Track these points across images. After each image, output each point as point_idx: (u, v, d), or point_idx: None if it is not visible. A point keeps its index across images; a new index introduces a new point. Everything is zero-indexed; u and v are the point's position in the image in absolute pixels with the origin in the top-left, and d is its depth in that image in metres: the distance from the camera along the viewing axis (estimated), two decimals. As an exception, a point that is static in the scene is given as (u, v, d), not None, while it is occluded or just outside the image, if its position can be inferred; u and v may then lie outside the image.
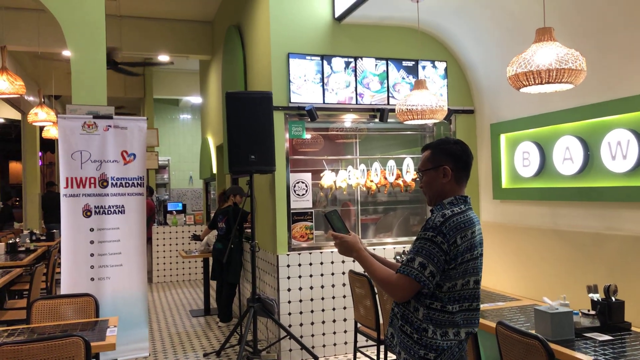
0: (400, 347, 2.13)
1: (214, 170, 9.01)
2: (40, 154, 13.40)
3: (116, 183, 4.55)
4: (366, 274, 4.31)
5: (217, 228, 6.62)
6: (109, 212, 4.52)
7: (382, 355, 4.00)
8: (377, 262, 2.18)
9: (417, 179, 2.28)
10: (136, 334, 4.59)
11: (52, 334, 3.21)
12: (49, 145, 17.06)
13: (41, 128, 10.31)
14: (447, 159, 2.24)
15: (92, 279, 4.47)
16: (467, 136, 5.58)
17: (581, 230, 4.10)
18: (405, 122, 4.47)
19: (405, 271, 2.04)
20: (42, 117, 7.65)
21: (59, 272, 7.28)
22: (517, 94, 4.47)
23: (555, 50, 2.94)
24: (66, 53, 8.29)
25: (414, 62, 5.44)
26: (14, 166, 22.70)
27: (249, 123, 4.79)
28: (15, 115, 13.37)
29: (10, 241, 7.45)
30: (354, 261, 5.15)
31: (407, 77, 5.41)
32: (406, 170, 5.41)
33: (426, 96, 4.31)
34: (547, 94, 3.56)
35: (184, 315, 7.04)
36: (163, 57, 9.47)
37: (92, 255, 4.47)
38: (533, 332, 2.71)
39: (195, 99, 13.28)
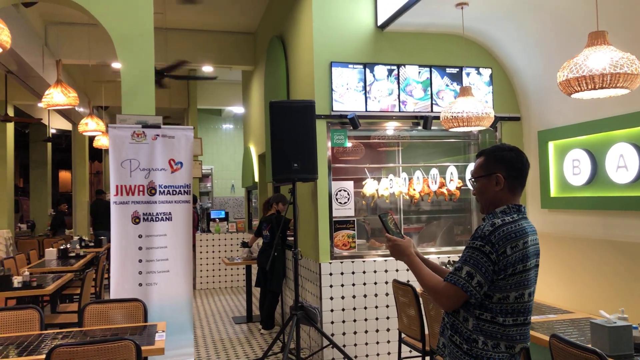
0: (450, 358, 2.10)
1: (256, 179, 9.12)
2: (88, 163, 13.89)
3: (164, 191, 4.66)
4: (410, 283, 4.27)
5: (262, 236, 6.68)
6: (157, 219, 4.62)
7: (427, 367, 3.93)
8: (426, 269, 2.15)
9: (470, 186, 2.23)
10: (182, 340, 4.66)
11: (104, 337, 3.30)
12: (95, 155, 17.66)
13: (91, 138, 10.69)
14: (501, 167, 2.17)
15: (140, 285, 4.57)
16: (513, 144, 5.44)
17: (637, 242, 3.93)
18: (450, 130, 4.42)
19: (452, 280, 2.01)
20: (92, 127, 7.93)
21: (107, 278, 7.50)
22: (566, 100, 4.34)
23: (609, 54, 2.85)
24: (116, 65, 8.60)
25: (458, 69, 5.37)
26: (64, 175, 23.61)
27: (292, 132, 4.83)
28: (66, 125, 13.94)
29: (62, 247, 7.73)
30: (397, 271, 5.14)
31: (451, 84, 5.35)
32: (450, 178, 5.33)
33: (472, 103, 4.25)
34: (599, 99, 3.44)
35: (226, 322, 7.11)
36: (207, 68, 9.68)
37: (140, 261, 4.57)
38: (589, 346, 2.60)
39: (238, 109, 13.51)
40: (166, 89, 10.64)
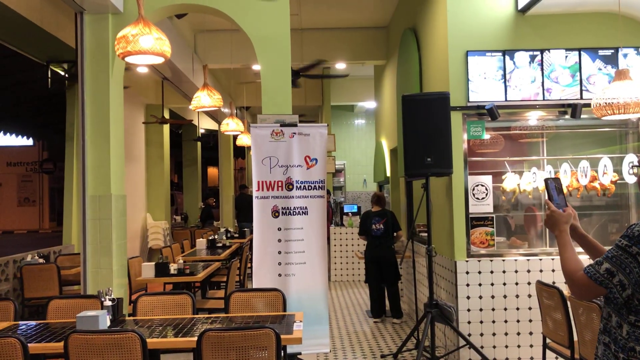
0: None
1: (388, 173, 9.09)
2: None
3: (300, 186, 4.84)
4: (556, 285, 3.95)
5: (372, 230, 6.72)
6: (294, 213, 4.82)
7: (576, 377, 3.62)
8: (571, 251, 2.03)
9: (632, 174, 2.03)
10: (318, 330, 4.81)
11: (247, 324, 3.53)
12: (239, 153, 18.92)
13: (234, 136, 11.46)
14: None
15: (280, 275, 4.80)
16: (682, 131, 4.80)
17: None
18: (603, 118, 4.00)
19: (589, 272, 1.90)
20: (232, 127, 8.49)
21: (250, 267, 8.01)
22: None
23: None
24: (256, 67, 9.11)
25: (612, 51, 4.85)
26: (212, 171, 25.66)
27: (425, 125, 4.73)
28: (213, 125, 15.11)
29: (210, 238, 8.40)
30: (542, 271, 4.78)
31: (605, 67, 4.84)
32: (603, 171, 4.84)
33: (630, 87, 3.80)
34: None
35: (360, 314, 7.21)
36: (340, 65, 9.85)
37: (279, 252, 4.81)
38: None
39: (370, 104, 13.58)
40: (301, 88, 11.05)
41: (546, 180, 2.16)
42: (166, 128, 12.81)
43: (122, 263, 5.30)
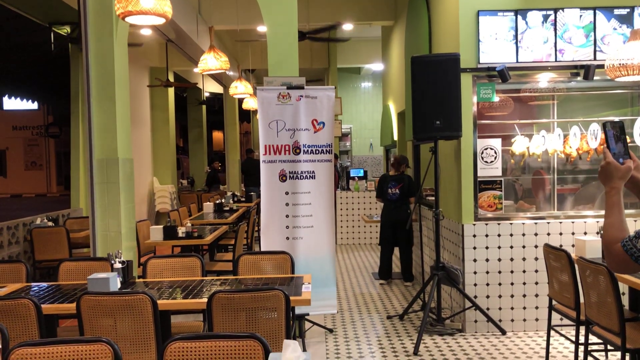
0: None
1: (395, 137, 9.03)
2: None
3: (307, 150, 4.81)
4: (564, 248, 3.95)
5: (388, 194, 6.71)
6: (302, 177, 4.81)
7: (582, 338, 3.66)
8: (618, 215, 1.77)
9: None
10: (325, 292, 4.87)
11: (257, 286, 3.56)
12: (244, 116, 18.81)
13: (240, 100, 11.37)
14: None
15: (287, 238, 4.83)
16: (696, 93, 4.71)
17: None
18: (617, 79, 3.92)
19: (626, 246, 1.70)
20: (241, 90, 8.40)
21: (257, 230, 8.06)
22: None
23: None
24: (261, 29, 8.95)
25: (628, 10, 4.71)
26: (217, 135, 25.61)
27: (435, 87, 4.66)
28: (218, 89, 14.98)
29: (217, 202, 8.44)
30: (549, 235, 4.78)
31: (620, 27, 4.71)
32: (614, 134, 4.76)
33: (646, 48, 3.70)
34: None
35: (367, 277, 7.28)
36: (347, 26, 9.65)
37: (287, 216, 4.82)
38: None
39: (377, 67, 13.37)
40: (307, 51, 10.87)
41: (604, 125, 1.86)
42: (171, 91, 12.71)
43: (130, 226, 5.34)
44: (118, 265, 3.67)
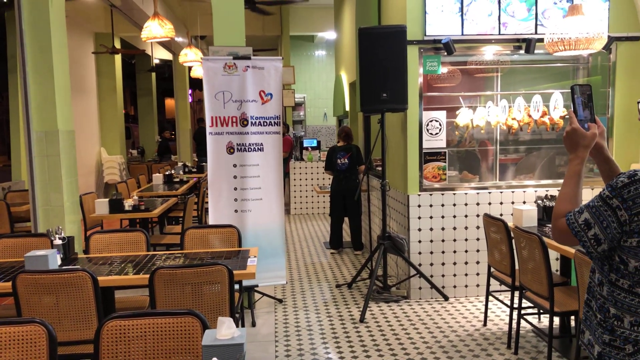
0: (584, 324, 1.74)
1: (347, 108, 9.04)
2: (190, 91, 14.51)
3: (255, 122, 4.77)
4: (502, 217, 4.11)
5: (337, 165, 6.78)
6: (250, 149, 4.77)
7: (516, 302, 3.86)
8: (574, 187, 1.71)
9: None
10: (275, 263, 4.92)
11: (202, 260, 3.56)
12: (198, 84, 18.37)
13: (189, 68, 11.07)
14: None
15: (236, 211, 4.82)
16: (630, 67, 4.92)
17: None
18: (555, 54, 4.03)
19: (569, 220, 1.65)
20: (191, 57, 8.18)
21: (207, 202, 8.01)
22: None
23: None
24: (209, -5, 8.67)
25: (568, -16, 4.82)
26: (170, 102, 24.93)
27: (382, 59, 4.67)
28: (168, 56, 14.53)
29: (167, 172, 8.30)
30: (490, 204, 4.96)
31: (560, 1, 4.83)
32: (554, 106, 4.94)
33: (582, 23, 3.81)
34: None
35: (318, 247, 7.38)
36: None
37: (235, 189, 4.80)
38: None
39: (330, 35, 13.25)
40: (259, 17, 10.63)
41: (572, 89, 1.73)
42: (118, 58, 12.25)
43: (74, 200, 5.19)
44: (58, 242, 3.58)
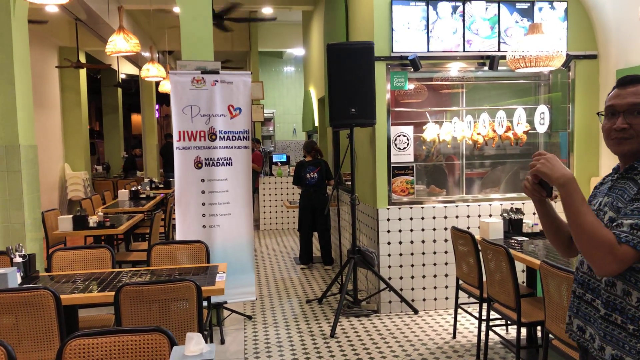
0: (604, 341, 1.65)
1: (316, 123, 9.09)
2: (157, 106, 14.35)
3: (224, 136, 4.73)
4: (469, 230, 4.17)
5: (306, 179, 6.80)
6: (218, 164, 4.73)
7: (484, 314, 3.90)
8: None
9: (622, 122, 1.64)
10: (243, 279, 4.86)
11: (169, 276, 3.49)
12: (165, 99, 18.17)
13: (157, 82, 10.96)
14: None
15: (204, 227, 4.75)
16: (588, 84, 5.10)
17: None
18: (517, 70, 4.16)
19: (632, 242, 1.52)
20: (153, 72, 8.09)
21: (175, 218, 7.88)
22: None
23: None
24: (177, 10, 8.64)
25: (529, 4, 4.99)
26: (136, 118, 24.56)
27: (350, 75, 4.72)
28: (134, 70, 14.35)
29: (133, 188, 8.14)
30: (457, 217, 5.04)
31: (521, 20, 4.99)
32: (517, 121, 5.07)
33: (541, 41, 3.95)
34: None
35: (288, 262, 7.34)
36: (267, 10, 9.54)
37: (203, 204, 4.74)
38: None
39: (299, 51, 13.35)
40: (228, 32, 10.63)
41: None
42: (83, 73, 12.04)
43: (35, 216, 5.04)
44: (18, 260, 3.46)
